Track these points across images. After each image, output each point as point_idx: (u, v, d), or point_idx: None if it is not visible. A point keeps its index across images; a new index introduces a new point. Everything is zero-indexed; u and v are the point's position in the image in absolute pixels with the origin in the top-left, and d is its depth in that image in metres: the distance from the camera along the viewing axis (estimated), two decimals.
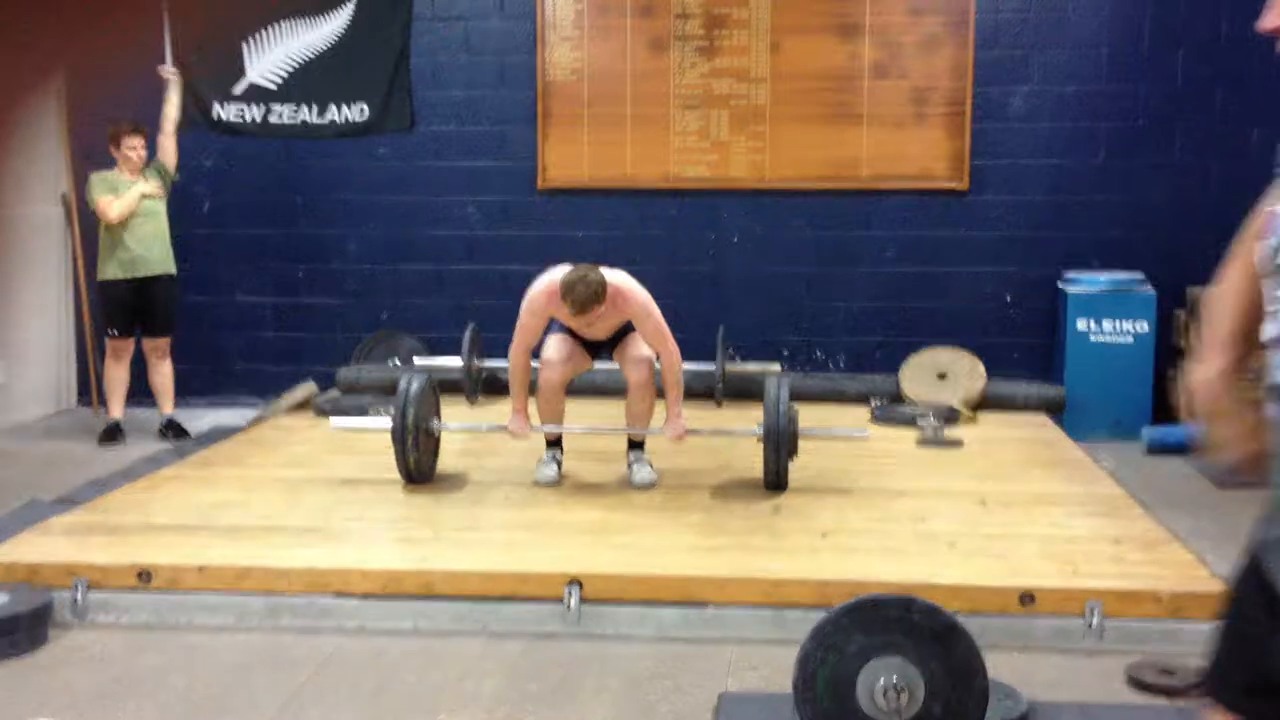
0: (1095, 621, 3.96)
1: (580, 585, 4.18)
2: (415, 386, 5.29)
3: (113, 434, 7.03)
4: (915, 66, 7.61)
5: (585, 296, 4.93)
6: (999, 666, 3.59)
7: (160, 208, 7.06)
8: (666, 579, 4.21)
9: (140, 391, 7.32)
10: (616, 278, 5.20)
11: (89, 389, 8.04)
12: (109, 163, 7.06)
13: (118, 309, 6.99)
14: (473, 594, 4.22)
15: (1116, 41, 7.48)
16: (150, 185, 6.97)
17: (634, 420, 5.48)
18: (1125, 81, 7.49)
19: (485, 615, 4.19)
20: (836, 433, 5.69)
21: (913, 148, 7.66)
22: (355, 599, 4.23)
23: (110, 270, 6.93)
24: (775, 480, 5.20)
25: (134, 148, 6.94)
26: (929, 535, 4.66)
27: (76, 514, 5.01)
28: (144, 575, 4.29)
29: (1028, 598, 4.04)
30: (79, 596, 4.22)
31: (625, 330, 5.38)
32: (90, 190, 6.91)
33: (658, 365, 5.36)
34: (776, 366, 7.38)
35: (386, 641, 4.11)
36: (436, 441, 5.55)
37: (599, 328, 5.30)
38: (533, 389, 5.48)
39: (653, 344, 5.30)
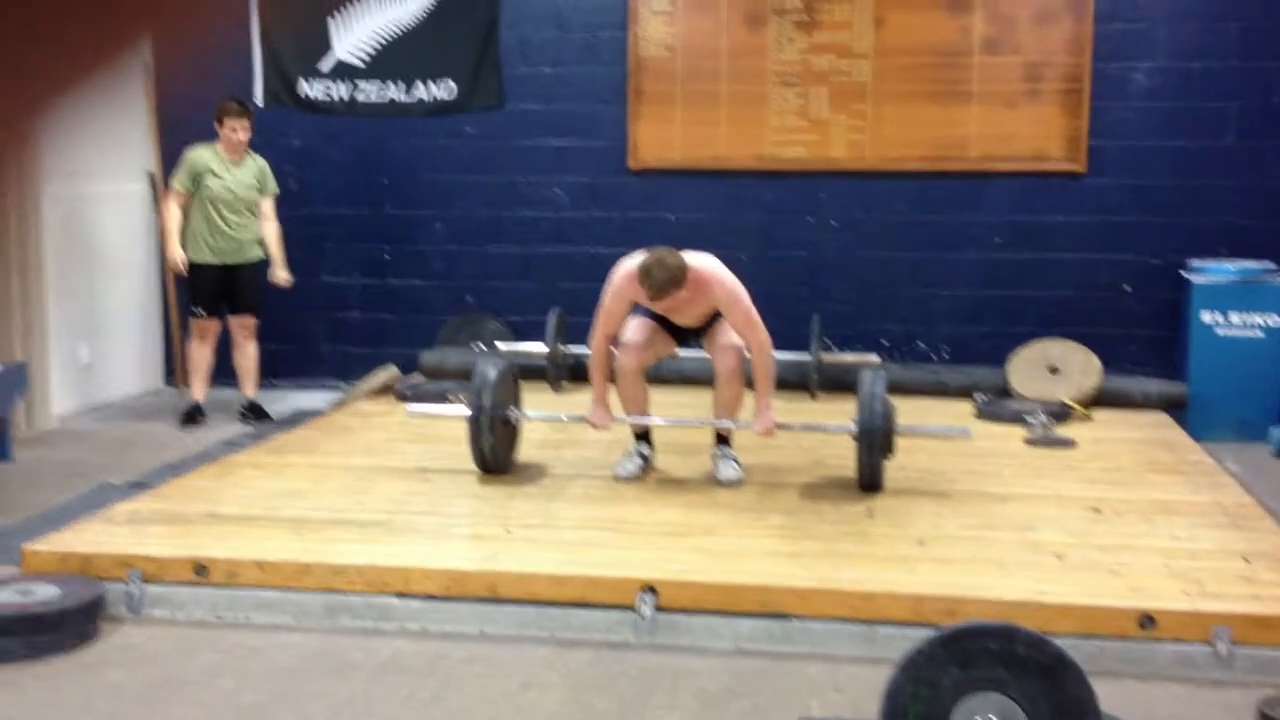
0: (1223, 649, 3.57)
1: (655, 592, 3.89)
2: (493, 373, 5.05)
3: (193, 416, 6.91)
4: (1029, 41, 7.18)
5: (663, 280, 4.64)
6: (1113, 697, 3.23)
7: (256, 197, 6.91)
8: (746, 588, 3.90)
9: (226, 372, 7.20)
10: (701, 262, 4.90)
11: (174, 369, 7.95)
12: (199, 139, 6.92)
13: (205, 289, 6.86)
14: (540, 598, 3.96)
15: (1247, 15, 6.98)
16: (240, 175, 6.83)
17: (721, 411, 5.18)
18: (1256, 58, 6.97)
19: (553, 621, 3.93)
20: (936, 431, 5.32)
21: (1025, 127, 7.23)
22: (417, 600, 4.00)
23: (201, 253, 6.80)
24: (869, 481, 4.86)
25: (235, 130, 6.78)
26: (1036, 546, 4.29)
27: (140, 500, 4.86)
28: (200, 569, 4.10)
29: (1147, 620, 3.66)
30: (134, 590, 4.05)
31: (715, 317, 5.08)
32: (180, 166, 6.78)
33: (748, 354, 5.06)
34: (874, 358, 7.01)
35: (448, 646, 3.86)
36: (514, 431, 5.30)
37: (685, 314, 5.01)
38: (613, 376, 5.21)
39: (741, 333, 5.00)
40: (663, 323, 5.15)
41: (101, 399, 7.50)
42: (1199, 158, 7.09)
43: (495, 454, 5.06)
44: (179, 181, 6.77)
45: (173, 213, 6.79)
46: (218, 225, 6.77)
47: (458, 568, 4.05)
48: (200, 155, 6.78)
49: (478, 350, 7.48)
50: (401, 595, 4.01)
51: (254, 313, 7.03)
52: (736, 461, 5.19)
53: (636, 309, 5.14)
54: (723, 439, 5.28)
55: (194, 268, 6.82)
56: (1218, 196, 7.08)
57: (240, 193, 6.81)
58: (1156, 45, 7.08)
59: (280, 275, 6.99)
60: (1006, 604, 3.74)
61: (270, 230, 6.97)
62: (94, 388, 7.45)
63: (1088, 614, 3.70)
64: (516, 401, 5.29)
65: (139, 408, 7.52)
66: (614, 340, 5.13)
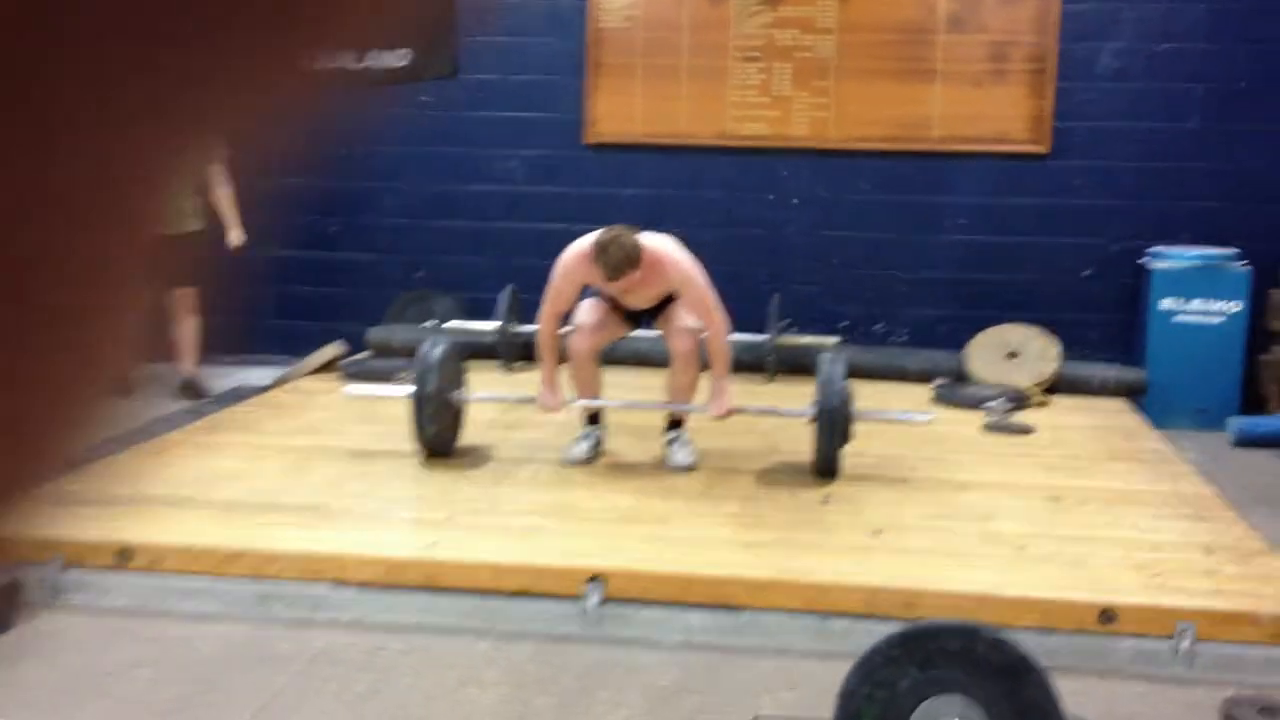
0: (1186, 646, 3.47)
1: (602, 582, 3.74)
2: (437, 352, 4.87)
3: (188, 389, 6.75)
4: (995, 19, 7.04)
5: (618, 259, 4.45)
6: (1074, 695, 3.10)
7: None
8: (697, 578, 3.76)
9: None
10: (657, 242, 4.72)
11: None
12: None
13: None
14: (482, 588, 3.79)
15: None
16: None
17: (675, 395, 5.02)
18: (1225, 40, 6.87)
19: (495, 612, 3.77)
20: (896, 416, 5.19)
21: (990, 107, 7.09)
22: (352, 589, 3.83)
23: None
24: (826, 466, 4.72)
25: None
26: (995, 536, 4.16)
27: (67, 480, 4.63)
28: (124, 554, 3.91)
29: (1108, 615, 3.54)
30: (53, 575, 3.85)
31: (670, 298, 4.92)
32: None
33: (704, 336, 4.90)
34: (834, 339, 6.86)
35: (384, 638, 3.70)
36: (458, 413, 5.12)
37: (639, 295, 4.83)
38: (564, 357, 5.03)
39: (697, 314, 4.83)
40: (615, 304, 4.97)
41: None
42: (1165, 141, 6.98)
43: (439, 437, 4.88)
44: None
45: None
46: None
47: (396, 555, 3.89)
48: None
49: (427, 327, 7.28)
50: (336, 584, 3.84)
51: (194, 283, 6.80)
52: (690, 446, 5.03)
53: (588, 289, 4.97)
54: (676, 423, 5.12)
55: None
56: (1182, 181, 6.98)
57: None
58: (1124, 26, 6.96)
59: (233, 237, 6.77)
60: (965, 597, 3.62)
61: (222, 195, 6.74)
62: None
63: (1048, 608, 3.59)
64: (462, 382, 5.11)
65: None
66: (564, 320, 4.96)
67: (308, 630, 3.73)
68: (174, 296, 6.76)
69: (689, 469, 4.92)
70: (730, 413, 4.87)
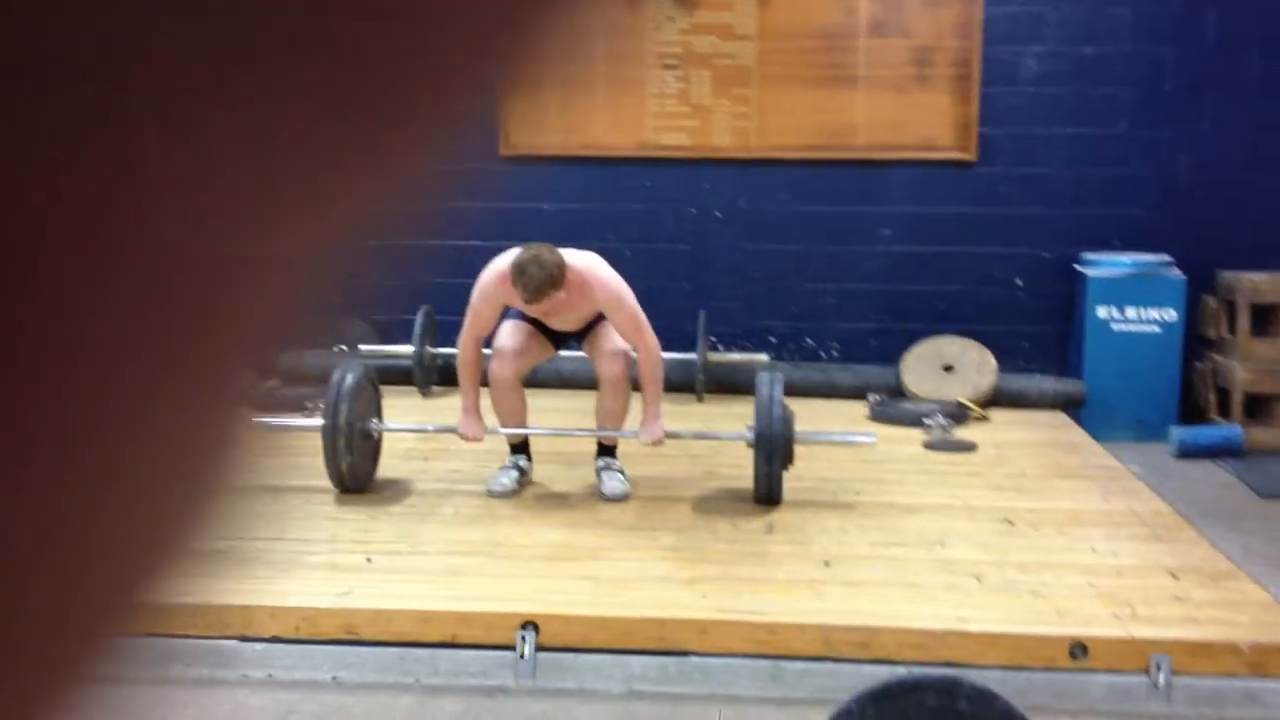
0: (1163, 680, 3.26)
1: (535, 628, 3.45)
2: (349, 380, 4.53)
3: None
4: (917, 23, 6.87)
5: (539, 281, 4.14)
6: None
7: None
8: (638, 621, 3.48)
9: None
10: (582, 260, 4.43)
11: None
12: None
13: None
14: (404, 638, 3.48)
15: None
16: None
17: (605, 420, 4.74)
18: (1151, 42, 6.76)
19: (419, 664, 3.46)
20: (839, 438, 4.95)
21: (914, 114, 6.92)
22: (261, 643, 3.49)
23: None
24: (767, 495, 4.47)
25: None
26: (950, 564, 3.94)
27: None
28: None
29: (1079, 649, 3.33)
30: None
31: (597, 319, 4.63)
32: None
33: (634, 355, 4.62)
34: (764, 356, 6.64)
35: (297, 697, 3.37)
36: (376, 444, 4.80)
37: (564, 318, 4.54)
38: (485, 383, 4.73)
39: (627, 336, 4.55)
40: (538, 325, 4.68)
41: None
42: (1092, 146, 6.85)
43: (354, 472, 4.55)
44: None
45: None
46: None
47: (309, 605, 3.55)
48: None
49: (340, 352, 6.93)
50: (244, 639, 3.50)
51: None
52: (622, 473, 4.75)
53: (510, 311, 4.68)
54: (607, 449, 4.84)
55: None
56: (1111, 186, 6.86)
57: None
58: (1047, 29, 6.83)
59: None
60: (926, 634, 3.39)
61: None
62: None
63: (1015, 643, 3.36)
64: (377, 411, 4.78)
65: None
66: (485, 343, 4.66)
67: (213, 690, 3.39)
68: None
69: (623, 498, 4.64)
70: (664, 438, 4.60)
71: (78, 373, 0.23)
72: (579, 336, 4.71)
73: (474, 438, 4.65)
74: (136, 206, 0.22)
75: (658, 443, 4.58)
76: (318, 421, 4.54)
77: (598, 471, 4.78)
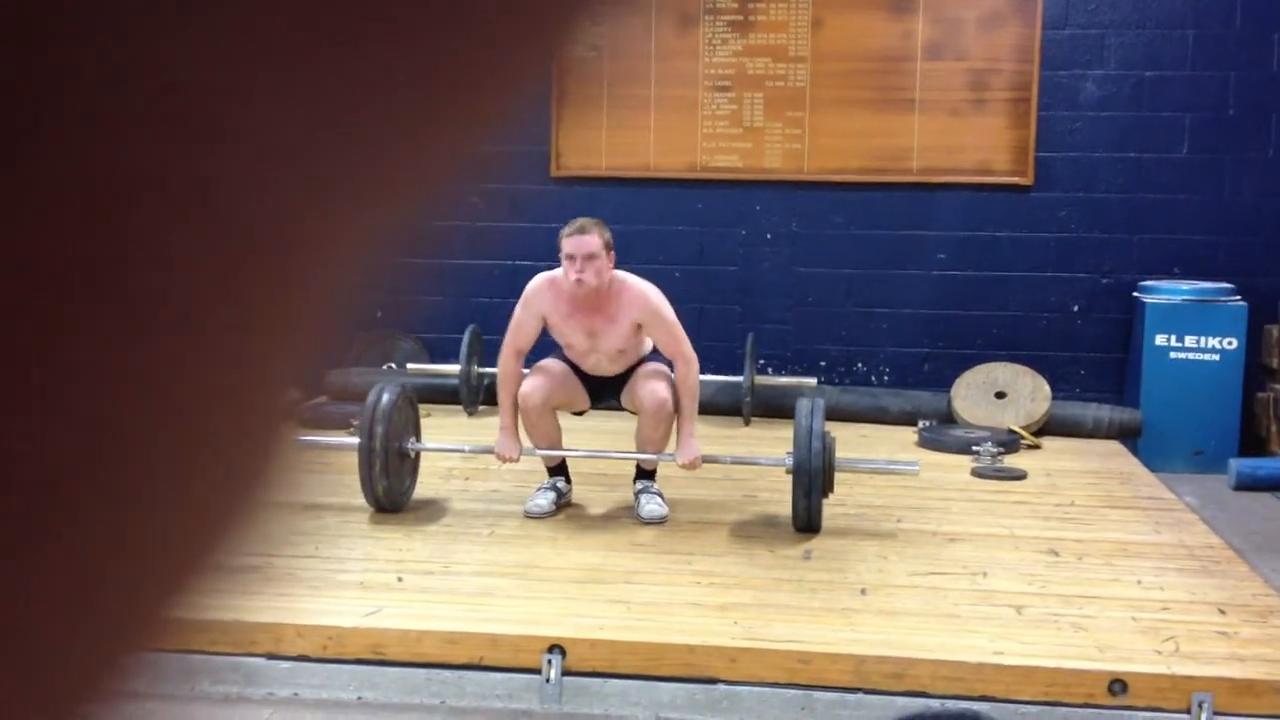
0: (1205, 719, 3.15)
1: (563, 652, 3.40)
2: (386, 399, 4.52)
3: None
4: (975, 47, 6.79)
5: (585, 222, 4.40)
6: None
7: None
8: (668, 647, 3.42)
9: None
10: (627, 275, 4.52)
11: None
12: None
13: None
14: (431, 659, 3.45)
15: (1205, 22, 6.63)
16: None
17: (644, 447, 4.70)
18: (1214, 67, 6.63)
19: (445, 686, 3.42)
20: (881, 466, 4.86)
21: (970, 138, 6.83)
22: (288, 661, 3.47)
23: None
24: (805, 523, 4.40)
25: None
26: (990, 595, 3.84)
27: None
28: None
29: (1119, 686, 3.23)
30: None
31: (636, 366, 4.62)
32: None
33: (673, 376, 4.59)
34: (812, 380, 6.57)
35: (322, 716, 3.35)
36: (414, 463, 4.78)
37: (606, 334, 4.51)
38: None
39: (666, 351, 4.53)
40: (578, 370, 4.67)
41: None
42: (1152, 171, 6.73)
43: (389, 493, 4.53)
44: None
45: None
46: None
47: (337, 624, 3.53)
48: None
49: (388, 370, 6.96)
50: (271, 656, 3.48)
51: None
52: (660, 496, 4.70)
53: (554, 352, 4.70)
54: (646, 473, 4.79)
55: None
56: (1171, 213, 6.73)
57: None
58: (1108, 53, 6.72)
59: None
60: (962, 666, 3.30)
61: None
62: None
63: (1053, 678, 3.27)
64: (416, 430, 4.77)
65: None
66: (526, 360, 4.65)
67: (238, 708, 3.38)
68: None
69: (660, 522, 4.59)
70: (700, 461, 4.55)
71: (124, 370, 0.22)
72: (616, 388, 4.69)
73: (510, 458, 4.63)
74: (212, 181, 0.22)
75: (694, 465, 4.54)
76: (354, 441, 4.54)
77: (636, 494, 4.73)
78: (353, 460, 5.02)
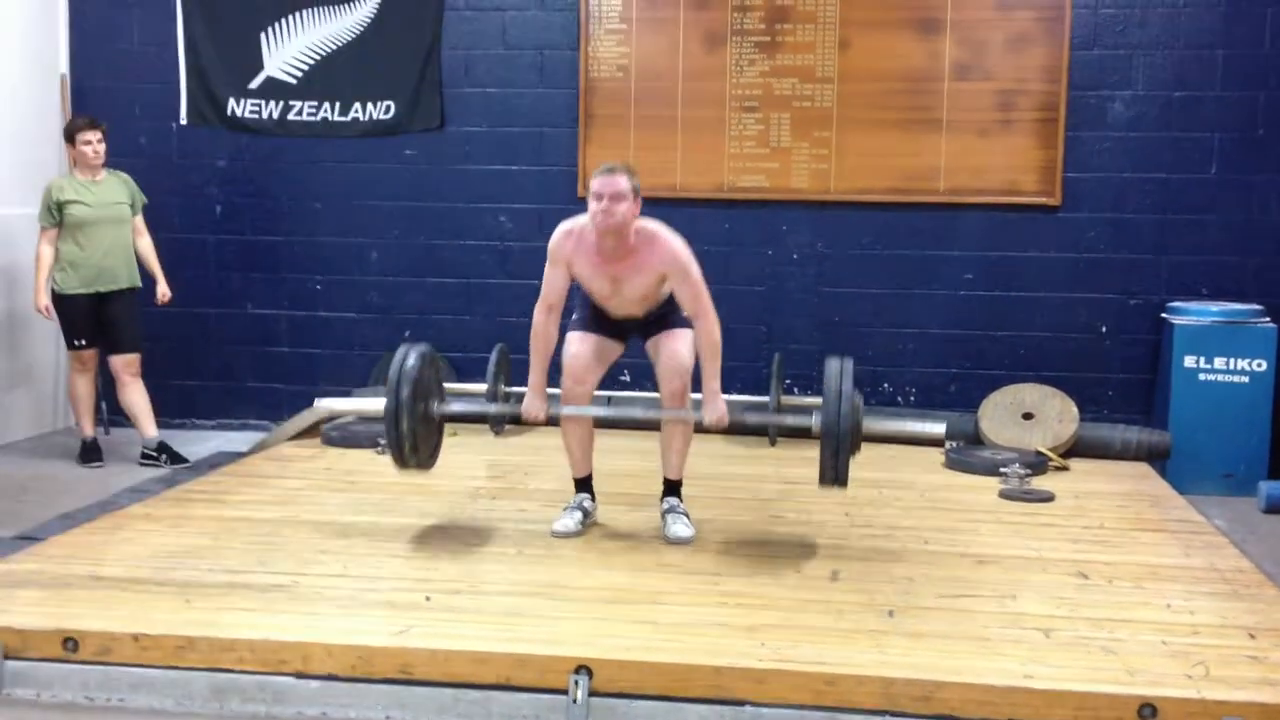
0: None
1: (590, 673, 3.40)
2: (412, 361, 4.54)
3: (92, 453, 6.43)
4: (1002, 67, 6.79)
5: (611, 164, 4.52)
6: None
7: (125, 214, 6.44)
8: (695, 668, 3.41)
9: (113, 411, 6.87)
10: (656, 224, 4.60)
11: None
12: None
13: (79, 320, 6.40)
14: (459, 679, 3.45)
15: (1234, 42, 6.62)
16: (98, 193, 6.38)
17: (668, 454, 4.74)
18: (1243, 88, 6.63)
19: (473, 706, 3.43)
20: (910, 429, 4.81)
21: (998, 158, 6.83)
22: (317, 680, 3.48)
23: (70, 283, 6.32)
24: (833, 478, 4.33)
25: (89, 142, 6.32)
26: (1018, 618, 3.83)
27: (17, 559, 4.32)
28: (70, 643, 3.57)
29: (1149, 710, 3.20)
30: None
31: (660, 313, 4.67)
32: (40, 203, 6.32)
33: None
34: None
35: None
36: (439, 424, 4.78)
37: (631, 282, 4.56)
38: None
39: (688, 308, 4.57)
40: (603, 316, 4.72)
41: (5, 438, 6.95)
42: (1180, 192, 6.71)
43: (416, 451, 4.52)
44: (41, 218, 6.34)
45: (41, 253, 6.35)
46: (85, 250, 6.31)
47: (365, 644, 3.54)
48: (56, 185, 6.38)
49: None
50: (300, 675, 3.50)
51: (138, 349, 6.54)
52: (687, 517, 4.71)
53: (582, 312, 4.73)
54: (672, 489, 4.80)
55: (65, 299, 6.35)
56: (1200, 233, 6.71)
57: (106, 212, 6.36)
58: (1136, 73, 6.71)
59: (162, 291, 6.59)
60: (990, 690, 3.28)
61: (145, 245, 6.59)
62: None
63: (1082, 701, 3.25)
64: (440, 392, 4.78)
65: (42, 448, 6.97)
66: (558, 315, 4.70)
67: None
68: (118, 364, 6.49)
69: (687, 542, 4.59)
70: (726, 417, 4.56)
71: None
72: (643, 331, 4.73)
73: (535, 419, 4.67)
74: None
75: (720, 422, 4.55)
76: (379, 404, 4.56)
77: (663, 514, 4.74)
78: (382, 479, 5.07)
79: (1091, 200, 6.79)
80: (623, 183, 4.43)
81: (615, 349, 4.83)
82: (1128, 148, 6.75)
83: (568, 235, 4.61)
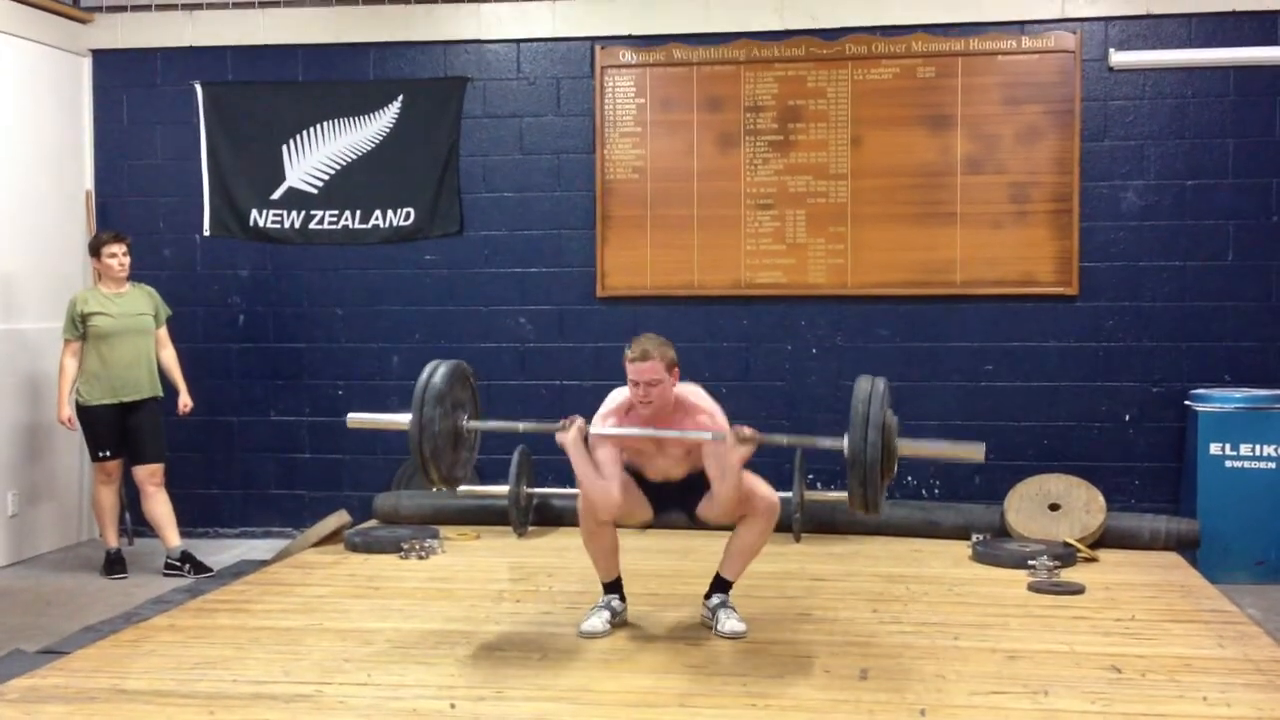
0: None
1: None
2: (441, 373, 4.54)
3: (116, 565, 6.44)
4: (1014, 160, 6.86)
5: (647, 342, 4.49)
6: None
7: (148, 325, 6.50)
8: None
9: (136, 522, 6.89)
10: (688, 387, 4.63)
11: None
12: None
13: (103, 431, 6.43)
14: None
15: (1245, 131, 6.69)
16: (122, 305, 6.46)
17: (736, 551, 4.72)
18: (1255, 174, 6.67)
19: None
20: (942, 446, 4.76)
21: (1013, 249, 6.87)
22: None
23: (95, 394, 6.37)
24: (863, 506, 4.24)
25: (114, 254, 6.41)
26: (1053, 714, 3.76)
27: (42, 673, 4.29)
28: None
29: None
30: None
31: (701, 477, 4.60)
32: (66, 313, 6.39)
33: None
34: None
35: None
36: (470, 441, 4.76)
37: (667, 449, 4.55)
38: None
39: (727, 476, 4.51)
40: (640, 478, 4.71)
41: (29, 551, 6.96)
42: (1198, 279, 6.73)
43: (449, 471, 4.56)
44: (65, 331, 6.40)
45: (65, 365, 6.41)
46: (110, 362, 6.37)
47: None
48: (80, 297, 6.45)
49: (437, 493, 6.97)
50: None
51: (161, 459, 6.56)
52: (738, 613, 4.67)
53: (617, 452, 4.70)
54: (722, 586, 4.76)
55: (90, 410, 6.39)
56: (1220, 320, 6.71)
57: (129, 323, 6.43)
58: (1148, 163, 6.77)
59: (184, 402, 6.65)
60: None
61: (169, 357, 6.65)
62: (20, 539, 6.92)
63: None
64: (473, 411, 4.76)
65: (67, 560, 6.97)
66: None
67: None
68: (141, 475, 6.51)
69: (739, 637, 4.55)
70: (753, 436, 4.48)
71: None
72: (682, 500, 4.69)
73: (570, 438, 4.53)
74: None
75: (749, 439, 4.47)
76: (407, 418, 4.56)
77: (713, 610, 4.70)
78: (406, 585, 5.06)
79: (1110, 289, 6.81)
80: (656, 368, 4.44)
81: (645, 510, 4.77)
82: (1143, 236, 6.78)
83: (605, 419, 4.59)
